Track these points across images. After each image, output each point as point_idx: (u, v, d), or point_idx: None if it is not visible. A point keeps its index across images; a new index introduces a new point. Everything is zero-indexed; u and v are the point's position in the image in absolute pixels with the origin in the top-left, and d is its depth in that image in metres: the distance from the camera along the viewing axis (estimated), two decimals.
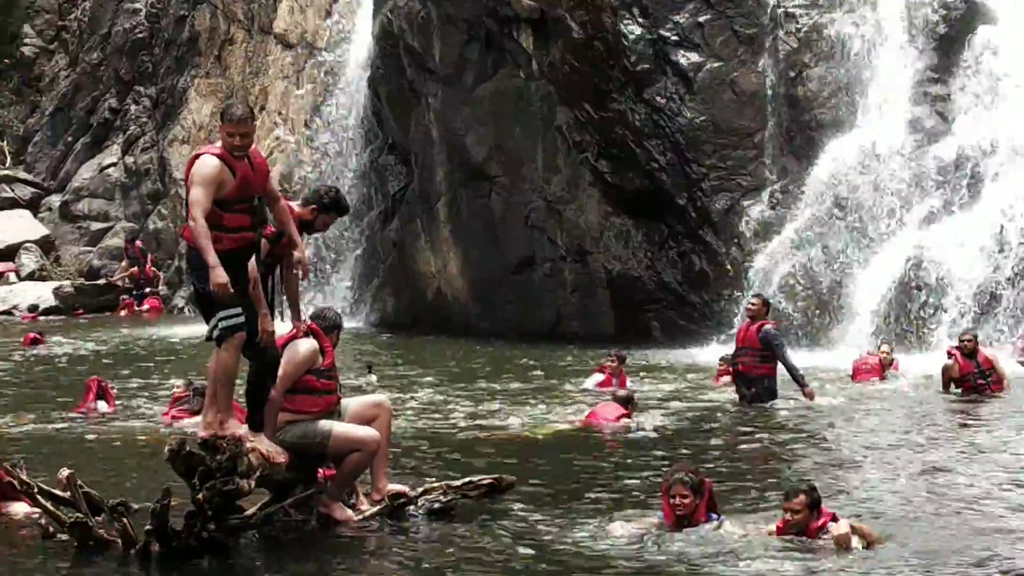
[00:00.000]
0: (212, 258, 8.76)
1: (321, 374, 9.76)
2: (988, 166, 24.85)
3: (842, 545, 8.61)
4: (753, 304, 17.50)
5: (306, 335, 9.75)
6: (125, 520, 8.85)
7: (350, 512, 9.84)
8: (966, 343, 18.13)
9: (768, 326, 17.04)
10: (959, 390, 17.61)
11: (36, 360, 23.91)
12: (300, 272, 9.48)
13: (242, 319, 8.97)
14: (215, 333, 8.99)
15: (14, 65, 43.90)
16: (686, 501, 8.96)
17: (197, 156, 9.09)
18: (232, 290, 8.82)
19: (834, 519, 8.82)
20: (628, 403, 15.68)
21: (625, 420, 15.43)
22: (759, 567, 8.30)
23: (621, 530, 9.30)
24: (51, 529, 9.22)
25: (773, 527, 9.01)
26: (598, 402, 16.83)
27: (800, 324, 23.15)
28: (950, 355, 18.15)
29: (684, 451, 13.57)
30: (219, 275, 8.74)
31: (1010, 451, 13.31)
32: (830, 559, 8.39)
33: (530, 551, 8.91)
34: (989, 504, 10.35)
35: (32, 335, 25.71)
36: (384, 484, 10.09)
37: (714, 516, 9.11)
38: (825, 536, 8.71)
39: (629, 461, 13.18)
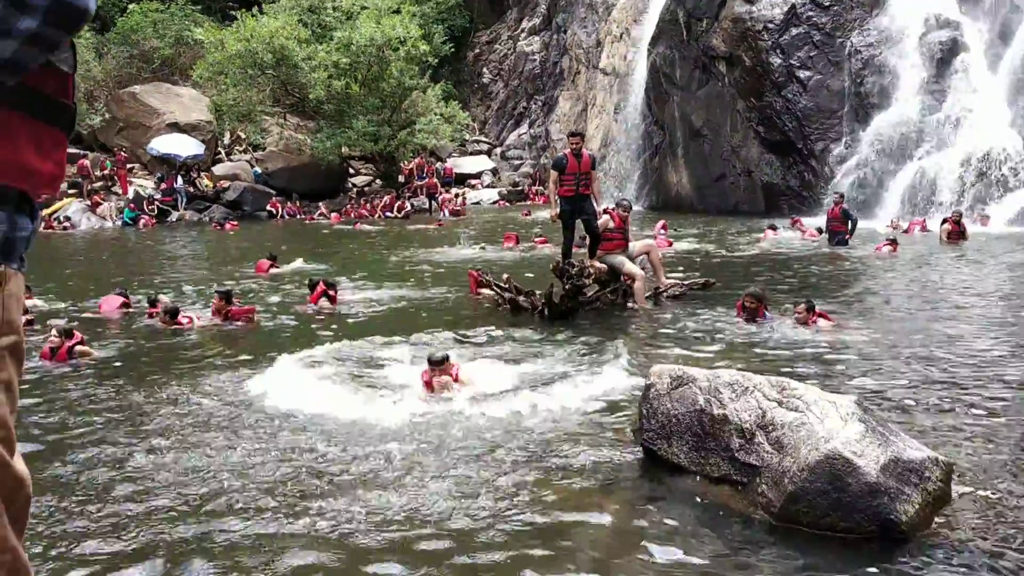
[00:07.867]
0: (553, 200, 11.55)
1: (610, 230, 12.22)
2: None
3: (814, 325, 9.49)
4: (837, 198, 21.62)
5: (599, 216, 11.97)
6: (532, 298, 11.61)
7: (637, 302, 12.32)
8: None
9: (845, 206, 21.25)
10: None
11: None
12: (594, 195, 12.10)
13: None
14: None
15: (477, 90, 52.14)
16: (752, 306, 10.36)
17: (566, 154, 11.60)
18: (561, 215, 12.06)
19: (824, 317, 10.10)
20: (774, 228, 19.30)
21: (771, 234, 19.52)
22: (792, 336, 9.47)
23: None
24: (499, 301, 11.90)
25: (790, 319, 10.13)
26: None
27: (859, 205, 26.40)
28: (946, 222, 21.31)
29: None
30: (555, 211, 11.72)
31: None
32: (828, 338, 9.46)
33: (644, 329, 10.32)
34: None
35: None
36: (663, 280, 12.98)
37: (768, 315, 10.50)
38: (815, 325, 9.98)
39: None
